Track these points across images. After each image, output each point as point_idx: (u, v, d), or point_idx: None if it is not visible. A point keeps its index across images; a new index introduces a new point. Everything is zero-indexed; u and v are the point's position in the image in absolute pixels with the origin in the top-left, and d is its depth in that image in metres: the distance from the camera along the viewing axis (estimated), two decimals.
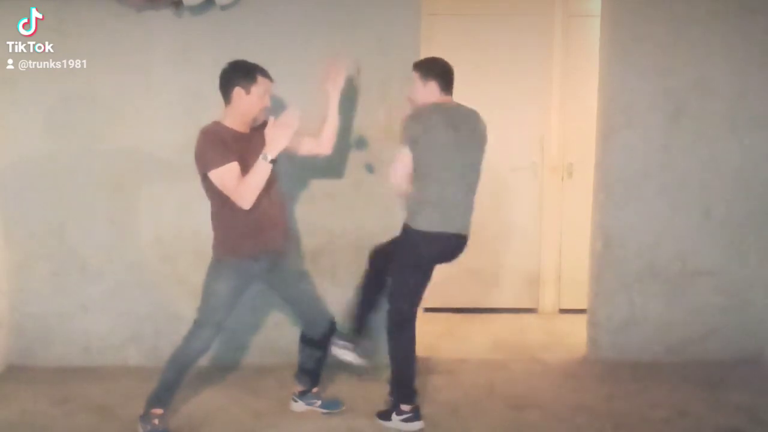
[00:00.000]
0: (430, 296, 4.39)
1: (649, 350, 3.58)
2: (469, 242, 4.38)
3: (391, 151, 3.37)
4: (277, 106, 3.28)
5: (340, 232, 3.49)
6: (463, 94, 4.34)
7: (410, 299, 2.88)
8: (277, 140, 2.51)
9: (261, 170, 2.53)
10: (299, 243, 3.47)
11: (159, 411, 2.73)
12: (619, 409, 3.03)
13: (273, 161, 2.53)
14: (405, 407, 2.86)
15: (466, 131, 2.83)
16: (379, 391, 3.14)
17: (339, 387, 3.24)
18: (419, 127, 2.74)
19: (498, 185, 4.42)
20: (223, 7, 3.31)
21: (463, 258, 4.39)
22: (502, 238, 4.47)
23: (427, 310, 4.39)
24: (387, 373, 2.96)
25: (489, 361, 3.62)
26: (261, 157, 2.52)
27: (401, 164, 2.79)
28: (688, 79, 3.44)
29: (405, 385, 2.89)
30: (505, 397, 3.15)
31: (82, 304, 3.50)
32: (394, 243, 2.95)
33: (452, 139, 2.76)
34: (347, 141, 3.40)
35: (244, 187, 2.53)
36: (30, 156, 3.41)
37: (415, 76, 2.87)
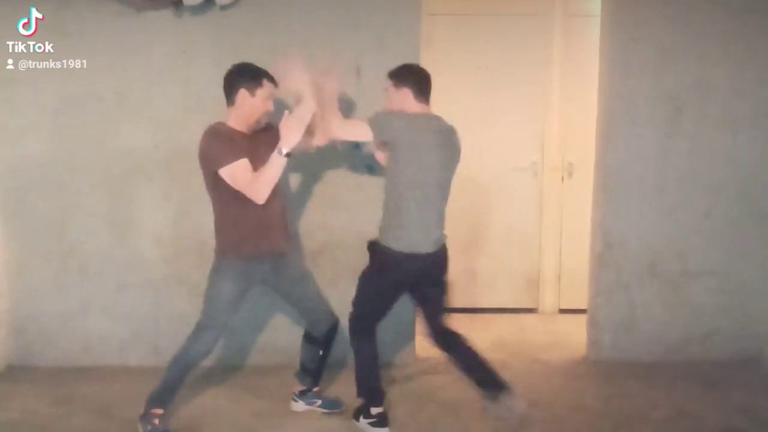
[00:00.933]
0: None
1: (649, 350, 3.59)
2: (470, 242, 4.44)
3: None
4: (278, 106, 3.28)
5: (340, 232, 3.49)
6: (463, 94, 4.39)
7: (374, 312, 2.85)
8: (291, 134, 2.51)
9: (276, 164, 2.53)
10: (300, 243, 3.47)
11: (159, 411, 2.73)
12: (619, 409, 3.03)
13: (288, 155, 2.53)
14: (374, 410, 2.84)
15: (447, 147, 2.72)
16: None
17: (339, 387, 3.24)
18: (405, 129, 2.60)
19: (498, 185, 4.43)
20: (223, 7, 3.31)
21: (463, 258, 4.44)
22: (502, 238, 4.48)
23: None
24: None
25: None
26: (276, 151, 2.52)
27: (357, 133, 2.69)
28: (688, 79, 3.44)
29: (370, 386, 2.87)
30: None
31: (82, 304, 3.50)
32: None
33: (436, 154, 2.65)
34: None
35: (258, 182, 2.53)
36: (30, 156, 3.41)
37: (389, 83, 2.76)
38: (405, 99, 2.71)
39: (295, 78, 2.73)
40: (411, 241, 2.66)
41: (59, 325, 3.51)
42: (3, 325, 3.48)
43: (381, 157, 2.94)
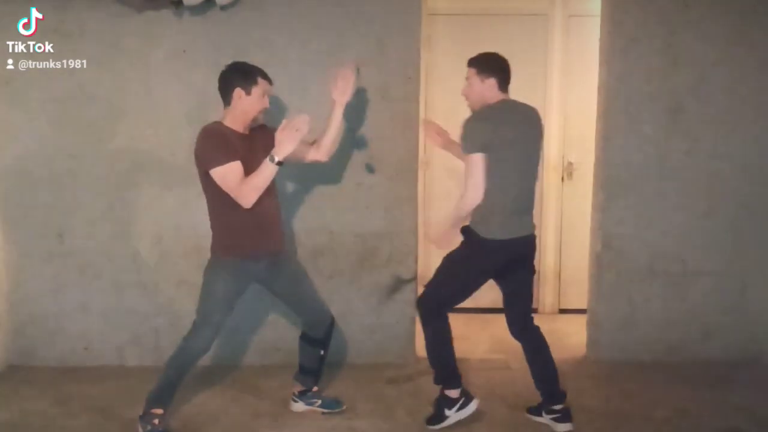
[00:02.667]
0: None
1: (649, 350, 3.58)
2: None
3: (391, 151, 3.39)
4: (278, 106, 3.29)
5: (340, 232, 3.49)
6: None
7: (452, 296, 2.81)
8: (285, 143, 2.51)
9: (267, 171, 2.54)
10: (298, 243, 3.47)
11: (159, 411, 2.72)
12: (619, 409, 3.03)
13: (280, 163, 2.53)
14: (452, 394, 2.81)
15: (531, 130, 2.77)
16: (379, 391, 3.14)
17: (339, 387, 3.24)
18: (489, 129, 2.63)
19: None
20: (223, 7, 3.31)
21: None
22: None
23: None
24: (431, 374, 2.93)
25: (489, 361, 3.62)
26: (268, 158, 2.53)
27: (478, 172, 2.62)
28: (688, 79, 3.44)
29: (445, 368, 2.83)
30: (505, 397, 3.15)
31: (82, 304, 3.50)
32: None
33: (521, 140, 2.70)
34: (347, 141, 3.40)
35: (247, 187, 2.54)
36: (30, 156, 3.41)
37: (471, 72, 2.76)
38: (490, 89, 2.74)
39: (344, 91, 2.81)
40: (508, 228, 2.69)
41: (59, 325, 3.51)
42: (3, 326, 3.48)
43: (438, 141, 3.03)
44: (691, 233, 3.53)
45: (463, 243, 2.79)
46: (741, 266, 3.55)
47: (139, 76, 3.37)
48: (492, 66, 2.74)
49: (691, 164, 3.49)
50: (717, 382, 3.29)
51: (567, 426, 2.81)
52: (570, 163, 4.42)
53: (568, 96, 4.36)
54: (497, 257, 2.74)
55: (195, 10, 3.31)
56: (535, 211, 4.38)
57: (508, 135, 2.65)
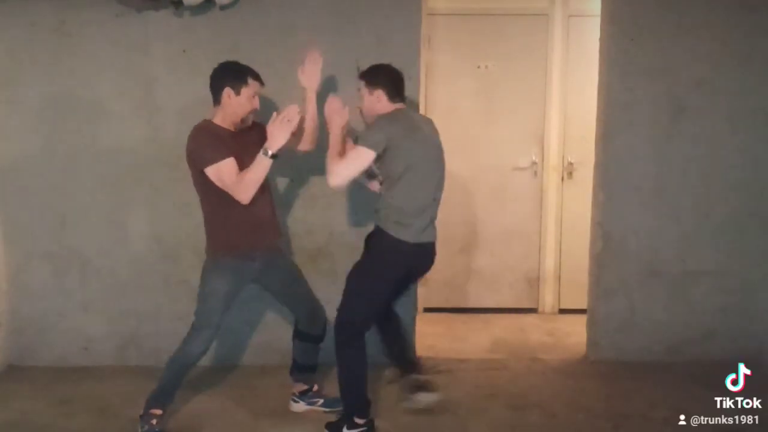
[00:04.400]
0: (430, 296, 4.43)
1: (649, 350, 3.58)
2: (470, 242, 4.44)
3: None
4: (278, 106, 3.28)
5: (340, 232, 3.48)
6: (463, 93, 4.38)
7: (366, 312, 2.72)
8: (277, 135, 2.50)
9: (261, 165, 2.53)
10: (298, 243, 3.47)
11: (158, 411, 2.73)
12: (619, 409, 3.03)
13: (274, 156, 2.52)
14: (359, 420, 2.72)
15: (434, 140, 2.76)
16: (379, 391, 3.14)
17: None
18: (396, 130, 2.61)
19: (498, 185, 4.43)
20: (223, 7, 3.31)
21: (464, 258, 4.44)
22: (502, 238, 4.47)
23: (427, 310, 4.40)
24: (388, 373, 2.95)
25: (489, 361, 3.62)
26: (261, 152, 2.52)
27: (359, 162, 2.60)
28: (688, 79, 3.44)
29: (357, 397, 2.73)
30: (505, 397, 3.14)
31: (82, 304, 3.50)
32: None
33: (427, 147, 2.69)
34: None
35: (243, 182, 2.53)
36: (30, 156, 3.41)
37: (362, 85, 2.74)
38: (379, 100, 2.70)
39: (311, 75, 2.80)
40: (417, 231, 2.67)
41: (59, 325, 3.51)
42: (3, 325, 3.48)
43: (375, 186, 2.96)
44: (691, 233, 3.53)
45: (367, 251, 2.77)
46: (741, 266, 3.55)
47: (139, 76, 3.37)
48: (378, 77, 2.71)
49: (691, 164, 3.49)
50: (717, 382, 3.29)
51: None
52: (570, 163, 4.42)
53: (568, 96, 4.35)
54: (410, 258, 2.70)
55: (195, 10, 3.31)
56: (535, 211, 4.48)
57: (411, 141, 2.62)
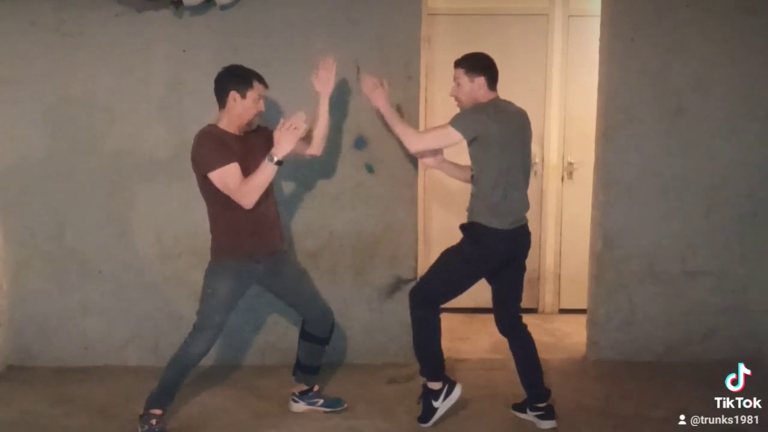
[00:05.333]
0: None
1: (649, 350, 3.58)
2: None
3: (391, 151, 3.39)
4: (278, 107, 3.29)
5: (340, 232, 3.49)
6: None
7: (447, 290, 2.85)
8: (284, 143, 2.51)
9: (266, 171, 2.54)
10: (298, 243, 3.47)
11: (158, 411, 2.73)
12: (618, 409, 3.03)
13: (279, 163, 2.53)
14: (434, 385, 2.85)
15: (523, 131, 2.83)
16: (379, 391, 3.14)
17: (339, 387, 3.24)
18: (490, 121, 2.68)
19: None
20: (223, 7, 3.31)
21: None
22: None
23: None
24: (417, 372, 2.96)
25: (489, 361, 3.62)
26: (267, 158, 2.53)
27: (443, 140, 2.76)
28: (688, 79, 3.44)
29: (430, 359, 2.86)
30: (505, 397, 3.14)
31: (82, 304, 3.50)
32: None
33: (519, 138, 2.77)
34: (347, 141, 3.39)
35: (247, 187, 2.54)
36: (30, 156, 3.41)
37: (459, 72, 2.80)
38: (479, 89, 2.77)
39: (327, 83, 2.84)
40: (511, 218, 2.76)
41: (59, 325, 3.51)
42: (3, 325, 3.48)
43: (431, 161, 3.01)
44: (691, 233, 3.53)
45: (463, 239, 2.82)
46: (741, 266, 3.55)
47: (139, 76, 3.37)
48: (480, 65, 2.79)
49: (691, 164, 3.49)
50: (717, 382, 3.29)
51: (551, 423, 2.85)
52: (570, 163, 4.41)
53: (568, 96, 4.35)
54: (498, 248, 2.77)
55: (195, 10, 3.31)
56: (535, 211, 4.48)
57: (502, 130, 2.70)
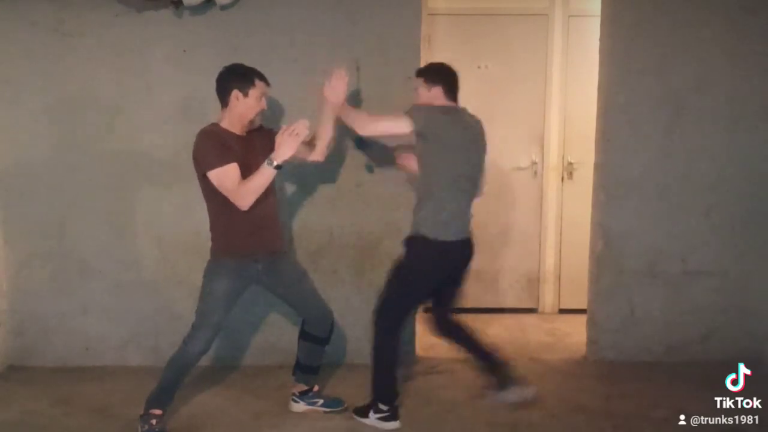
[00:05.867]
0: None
1: (649, 350, 3.58)
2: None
3: (391, 151, 3.39)
4: (279, 107, 3.29)
5: (340, 232, 3.49)
6: (463, 93, 4.35)
7: (406, 308, 2.86)
8: (285, 148, 2.52)
9: (265, 174, 2.55)
10: (298, 243, 3.47)
11: (158, 411, 2.73)
12: (618, 409, 3.03)
13: (278, 167, 2.54)
14: (383, 406, 2.82)
15: (478, 140, 2.82)
16: None
17: (339, 387, 3.24)
18: (443, 121, 2.68)
19: (498, 185, 4.42)
20: (223, 7, 3.31)
21: None
22: (503, 238, 4.47)
23: (427, 310, 4.39)
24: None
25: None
26: (266, 162, 2.53)
27: (392, 125, 2.72)
28: (688, 78, 3.44)
29: (387, 385, 2.84)
30: None
31: (82, 304, 3.50)
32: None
33: (468, 147, 2.75)
34: (347, 141, 3.39)
35: (245, 189, 2.55)
36: (30, 156, 3.41)
37: (419, 81, 2.83)
38: (436, 98, 2.78)
39: (336, 91, 2.80)
40: (451, 230, 2.73)
41: (59, 325, 3.51)
42: (3, 325, 3.48)
43: (406, 159, 2.99)
44: (691, 233, 3.53)
45: (408, 252, 2.80)
46: (741, 266, 3.55)
47: (139, 76, 3.37)
48: (438, 74, 2.81)
49: (691, 164, 3.49)
50: (717, 382, 3.29)
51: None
52: (570, 163, 4.42)
53: (568, 96, 4.36)
54: (446, 257, 2.77)
55: (195, 10, 3.31)
56: (535, 211, 4.48)
57: (449, 133, 2.69)
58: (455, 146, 2.70)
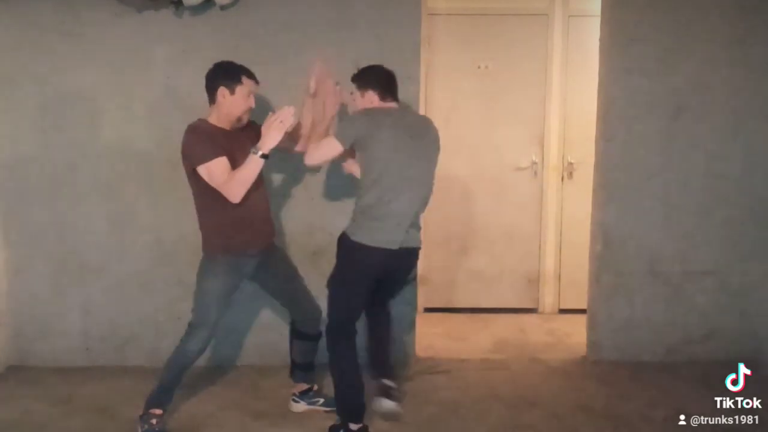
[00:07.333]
0: (430, 296, 4.43)
1: (649, 350, 3.58)
2: (470, 242, 4.44)
3: None
4: (277, 106, 3.28)
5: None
6: (463, 93, 4.38)
7: (348, 313, 2.73)
8: (270, 136, 2.52)
9: (252, 164, 2.54)
10: (298, 243, 3.47)
11: (158, 411, 2.73)
12: (619, 409, 3.03)
13: (265, 156, 2.53)
14: (353, 426, 2.67)
15: (419, 138, 2.69)
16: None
17: None
18: (368, 126, 2.60)
19: (498, 185, 4.43)
20: (223, 7, 3.31)
21: (464, 258, 4.44)
22: (503, 238, 4.47)
23: (427, 310, 4.40)
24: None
25: (489, 361, 3.62)
26: (252, 151, 2.53)
27: (325, 151, 2.66)
28: (688, 79, 3.44)
29: (350, 402, 2.70)
30: (505, 397, 3.14)
31: (82, 304, 3.50)
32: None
33: (405, 145, 2.61)
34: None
35: (234, 181, 2.54)
36: (30, 156, 3.41)
37: (354, 87, 2.76)
38: (371, 102, 2.72)
39: (320, 79, 2.80)
40: (376, 236, 2.62)
41: (59, 325, 3.51)
42: (3, 326, 3.48)
43: (352, 165, 2.95)
44: (691, 233, 3.53)
45: (339, 255, 2.74)
46: (741, 266, 3.55)
47: (139, 76, 3.37)
48: (369, 79, 2.73)
49: (691, 164, 3.49)
50: (717, 382, 3.29)
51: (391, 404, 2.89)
52: (570, 163, 4.42)
53: (568, 96, 4.36)
54: (373, 262, 2.64)
55: (195, 10, 3.31)
56: (535, 211, 4.48)
57: (382, 136, 2.59)
58: (390, 148, 2.59)
